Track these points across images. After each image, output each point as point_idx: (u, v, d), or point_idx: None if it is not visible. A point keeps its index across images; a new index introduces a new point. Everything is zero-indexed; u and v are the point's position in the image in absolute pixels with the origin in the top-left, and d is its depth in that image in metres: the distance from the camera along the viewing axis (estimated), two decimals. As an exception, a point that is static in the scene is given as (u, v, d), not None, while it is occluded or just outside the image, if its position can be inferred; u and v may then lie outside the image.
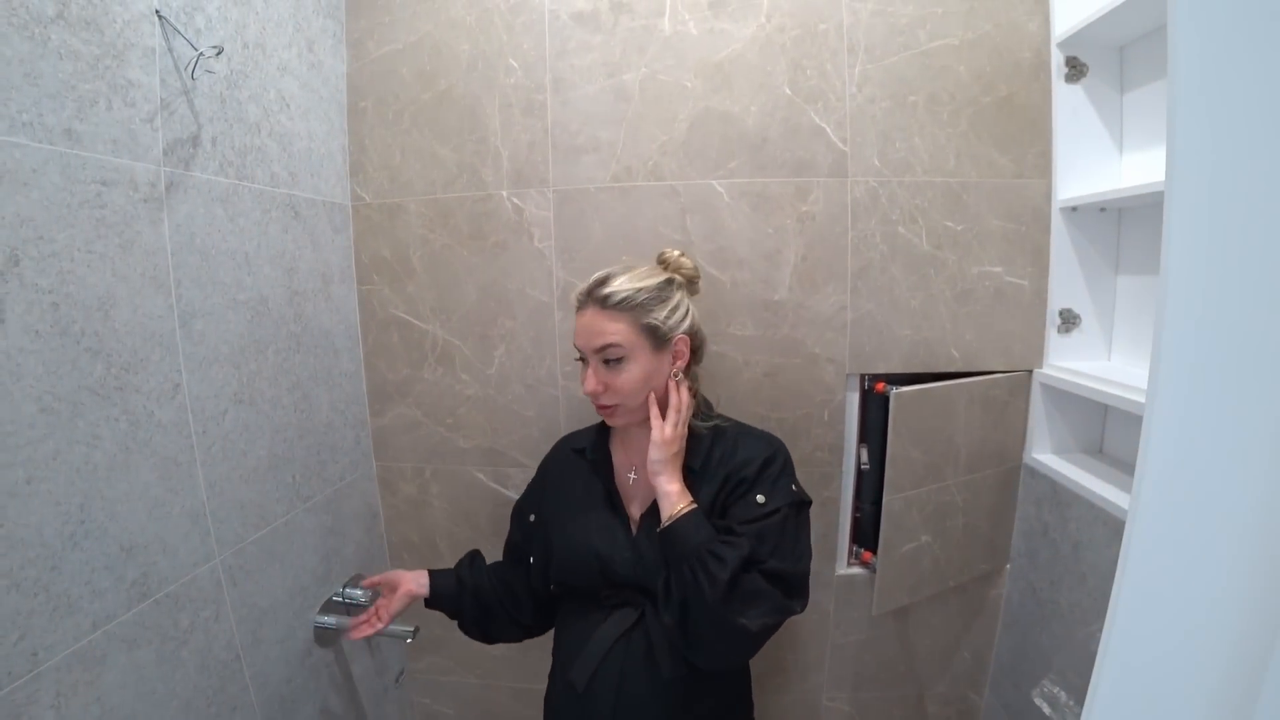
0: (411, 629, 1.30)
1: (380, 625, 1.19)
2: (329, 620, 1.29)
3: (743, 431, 1.12)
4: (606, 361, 1.03)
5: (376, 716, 1.51)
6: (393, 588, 1.22)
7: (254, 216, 1.14)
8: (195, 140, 1.01)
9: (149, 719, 0.90)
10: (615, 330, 1.02)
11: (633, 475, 1.13)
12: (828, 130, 1.32)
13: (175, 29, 0.95)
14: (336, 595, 1.35)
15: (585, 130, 1.36)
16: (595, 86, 1.35)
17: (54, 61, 0.78)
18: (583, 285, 1.07)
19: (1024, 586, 1.41)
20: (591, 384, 1.05)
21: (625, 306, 1.02)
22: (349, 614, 1.35)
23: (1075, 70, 1.27)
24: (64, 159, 0.80)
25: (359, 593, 1.37)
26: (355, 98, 1.42)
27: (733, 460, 1.06)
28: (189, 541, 0.99)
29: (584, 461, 1.17)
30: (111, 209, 0.87)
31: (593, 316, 1.04)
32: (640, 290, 1.03)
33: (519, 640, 1.27)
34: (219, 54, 1.02)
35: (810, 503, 1.08)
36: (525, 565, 1.21)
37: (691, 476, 1.05)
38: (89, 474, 0.83)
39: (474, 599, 1.21)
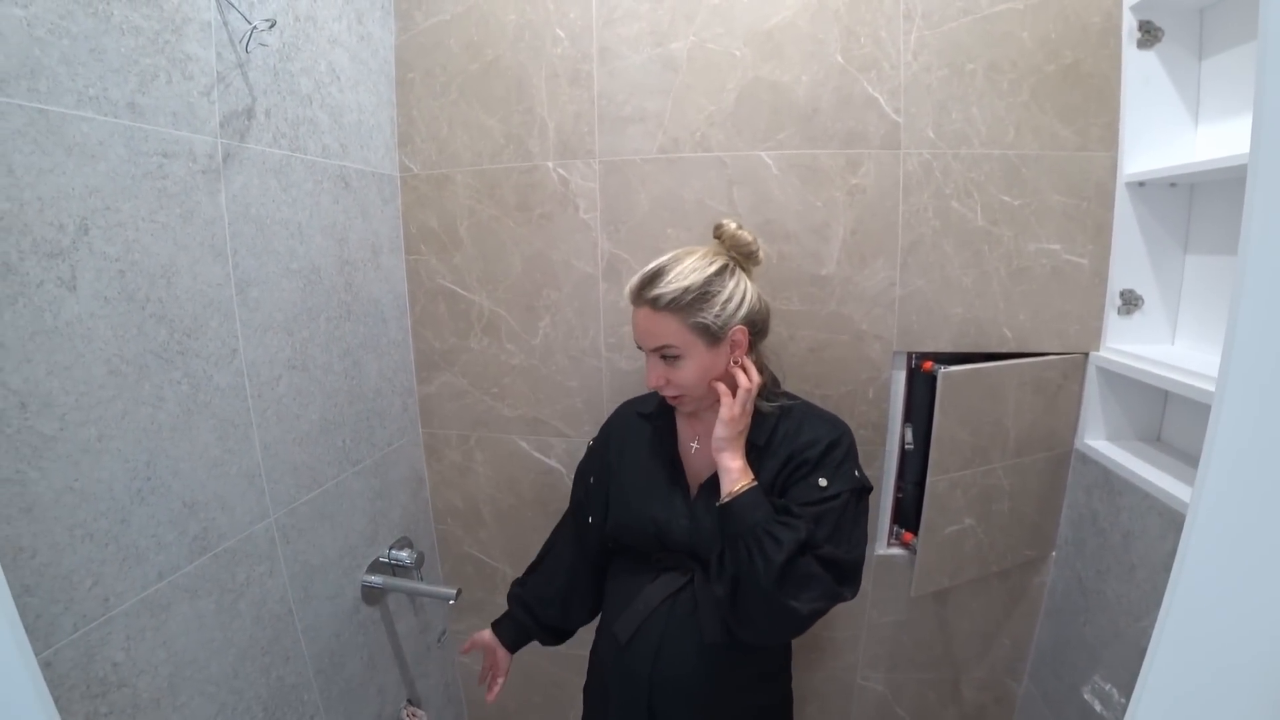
0: (454, 591, 1.34)
1: (501, 679, 1.24)
2: (375, 579, 1.35)
3: (809, 412, 1.11)
4: (665, 358, 1.04)
5: (419, 673, 1.57)
6: (490, 650, 1.25)
7: (306, 187, 1.17)
8: (250, 113, 1.03)
9: (209, 664, 0.96)
10: (667, 331, 1.01)
11: (695, 444, 1.14)
12: (881, 100, 1.27)
13: (230, 3, 0.97)
14: (383, 556, 1.40)
15: (632, 100, 1.35)
16: (642, 56, 1.33)
17: (117, 37, 0.81)
18: (634, 281, 1.05)
19: (1069, 575, 1.38)
20: (653, 379, 1.06)
21: (674, 308, 1.00)
22: (395, 574, 1.41)
23: (1149, 35, 1.20)
24: (128, 132, 0.83)
25: (404, 554, 1.42)
26: (403, 69, 1.43)
27: (797, 440, 1.06)
28: (245, 500, 1.04)
29: (648, 426, 1.18)
30: (172, 180, 0.90)
31: (645, 316, 1.03)
32: (687, 290, 1.00)
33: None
34: (272, 27, 1.04)
35: (871, 489, 1.07)
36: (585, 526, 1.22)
37: (754, 453, 1.05)
38: (154, 433, 0.88)
39: (539, 625, 1.24)
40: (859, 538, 1.03)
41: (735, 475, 1.00)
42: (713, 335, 1.02)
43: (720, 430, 1.02)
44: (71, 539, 0.77)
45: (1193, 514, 0.43)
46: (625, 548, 1.16)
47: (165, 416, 0.90)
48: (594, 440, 1.28)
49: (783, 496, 1.03)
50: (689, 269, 1.02)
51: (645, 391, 1.22)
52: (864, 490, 1.05)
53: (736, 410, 1.02)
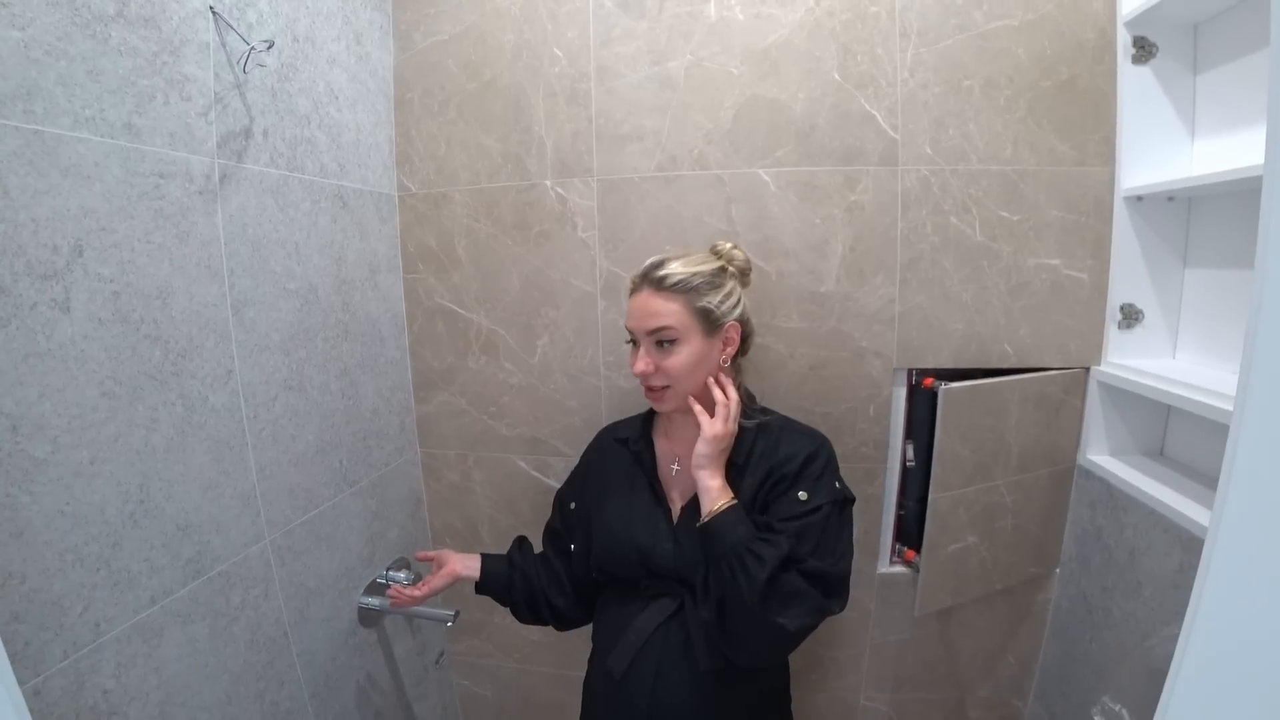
0: (452, 612, 1.33)
1: (419, 595, 1.20)
2: (373, 601, 1.33)
3: (787, 426, 1.11)
4: (659, 343, 1.04)
5: (416, 695, 1.55)
6: (440, 565, 1.23)
7: (304, 207, 1.17)
8: (247, 133, 1.03)
9: (202, 691, 0.95)
10: (669, 311, 1.03)
11: (675, 466, 1.13)
12: (878, 117, 1.28)
13: (228, 24, 0.97)
14: (380, 577, 1.39)
15: (629, 119, 1.35)
16: (639, 75, 1.33)
17: (114, 58, 0.81)
18: (638, 269, 1.08)
19: (1074, 592, 1.36)
20: (641, 365, 1.04)
21: (680, 289, 1.03)
22: (392, 596, 1.39)
23: (1143, 51, 1.20)
24: (124, 153, 0.83)
25: (402, 575, 1.40)
26: (402, 89, 1.44)
27: (775, 455, 1.05)
28: (240, 522, 1.03)
29: (627, 451, 1.17)
30: (169, 201, 0.90)
31: (647, 298, 1.04)
32: (695, 274, 1.04)
33: (560, 629, 1.28)
34: (270, 48, 1.04)
35: (853, 500, 1.07)
36: (567, 553, 1.22)
37: (734, 471, 1.05)
38: (148, 456, 0.87)
39: (524, 583, 1.23)
40: (844, 550, 1.02)
41: (715, 494, 0.99)
42: (712, 323, 1.04)
43: (702, 447, 1.01)
44: (62, 564, 0.76)
45: (1213, 534, 0.42)
46: (612, 577, 1.15)
47: (159, 439, 0.89)
48: (575, 467, 1.28)
49: (764, 513, 1.02)
50: (696, 260, 1.07)
51: (644, 410, 1.22)
52: (845, 501, 1.05)
53: (719, 426, 1.02)
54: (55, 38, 0.74)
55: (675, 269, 1.04)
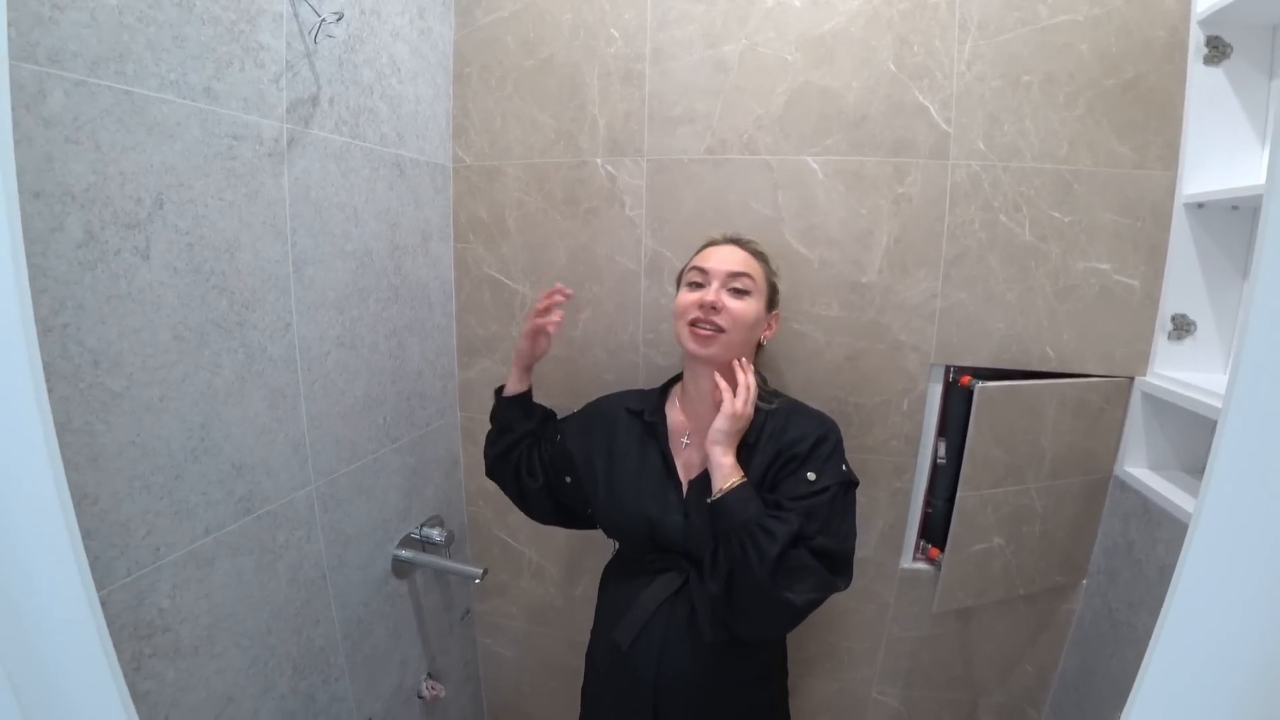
0: (481, 570, 1.39)
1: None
2: (406, 554, 1.40)
3: (796, 409, 1.14)
4: (734, 290, 1.09)
5: (440, 648, 1.62)
6: (535, 339, 1.23)
7: (363, 174, 1.22)
8: (315, 100, 1.09)
9: (246, 619, 1.02)
10: (753, 267, 1.12)
11: (685, 440, 1.16)
12: (931, 109, 1.26)
13: (303, -5, 1.02)
14: (414, 532, 1.46)
15: (682, 101, 1.36)
16: (694, 57, 1.34)
17: (198, 26, 0.87)
18: (719, 232, 1.20)
19: (1099, 605, 1.34)
20: (714, 294, 1.07)
21: (762, 258, 1.15)
22: (424, 550, 1.46)
23: (1217, 51, 1.16)
24: (203, 114, 0.89)
25: (435, 532, 1.47)
26: (461, 63, 1.48)
27: (785, 436, 1.08)
28: (289, 467, 1.09)
29: (639, 423, 1.19)
30: (240, 161, 0.96)
31: (734, 249, 1.14)
32: (770, 257, 1.17)
33: (505, 486, 1.30)
34: (339, 19, 1.09)
35: (858, 483, 1.09)
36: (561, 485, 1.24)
37: (743, 450, 1.07)
38: (210, 397, 0.94)
39: (527, 441, 1.26)
40: (848, 530, 1.05)
41: (726, 471, 1.02)
42: (771, 299, 1.15)
43: (722, 423, 1.03)
44: (130, 490, 0.83)
45: (1195, 520, 0.43)
46: (620, 552, 1.20)
47: (221, 382, 0.95)
48: (578, 412, 1.30)
49: (772, 492, 1.04)
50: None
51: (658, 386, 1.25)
52: (851, 484, 1.07)
53: (739, 406, 1.04)
54: (146, 5, 0.80)
55: (757, 243, 1.16)
